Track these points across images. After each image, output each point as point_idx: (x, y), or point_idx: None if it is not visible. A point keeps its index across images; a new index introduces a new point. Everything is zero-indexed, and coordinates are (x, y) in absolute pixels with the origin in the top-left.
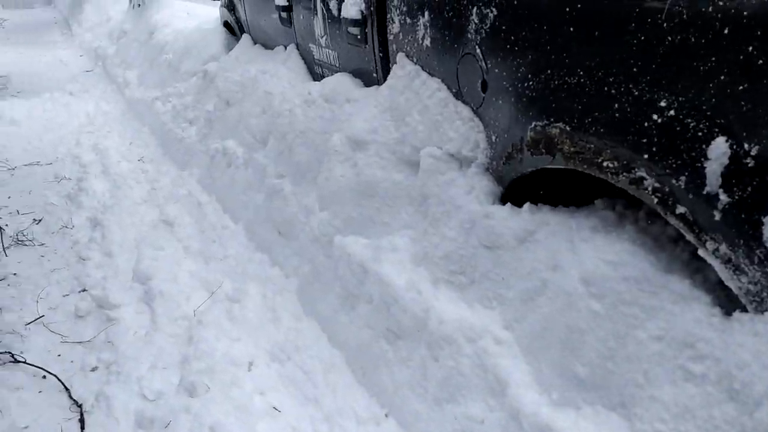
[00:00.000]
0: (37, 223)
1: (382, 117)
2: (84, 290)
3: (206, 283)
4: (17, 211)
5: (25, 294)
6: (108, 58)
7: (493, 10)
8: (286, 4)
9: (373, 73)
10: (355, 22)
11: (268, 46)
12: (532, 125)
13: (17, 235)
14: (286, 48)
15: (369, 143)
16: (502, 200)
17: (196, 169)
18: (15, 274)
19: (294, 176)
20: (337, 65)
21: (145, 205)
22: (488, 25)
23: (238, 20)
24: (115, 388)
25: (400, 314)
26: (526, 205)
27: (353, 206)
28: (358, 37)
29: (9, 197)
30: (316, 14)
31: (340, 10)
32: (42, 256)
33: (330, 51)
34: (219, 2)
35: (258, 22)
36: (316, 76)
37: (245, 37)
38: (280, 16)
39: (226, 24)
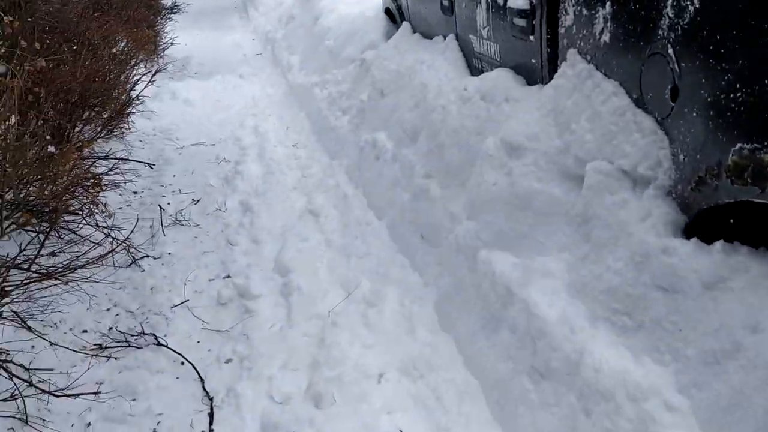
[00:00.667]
0: (195, 204)
1: (544, 121)
2: (228, 276)
3: (345, 280)
4: (179, 190)
5: (175, 275)
6: (276, 42)
7: (695, 1)
8: None
9: (538, 71)
10: (522, 13)
11: (427, 35)
12: (737, 147)
13: (176, 214)
14: (445, 38)
15: (526, 150)
16: (686, 233)
17: (345, 160)
18: (170, 253)
19: (442, 178)
20: (498, 59)
21: (295, 193)
22: (686, 20)
23: (399, 7)
24: (245, 385)
25: (548, 352)
26: (719, 243)
27: (504, 219)
28: (525, 29)
29: (174, 176)
30: (480, 3)
31: None
32: (195, 237)
33: (491, 43)
34: None
35: (419, 10)
36: (475, 70)
37: (405, 25)
38: (441, 4)
39: (387, 11)
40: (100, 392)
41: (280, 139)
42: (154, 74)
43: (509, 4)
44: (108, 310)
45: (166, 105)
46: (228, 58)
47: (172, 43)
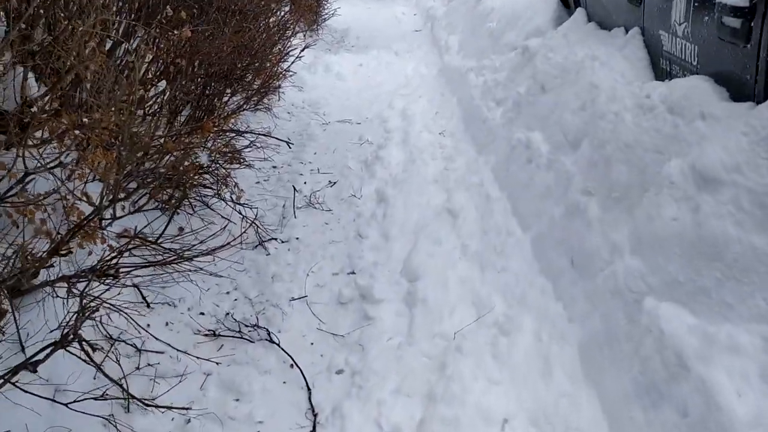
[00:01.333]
0: (331, 186)
1: (753, 150)
2: (353, 272)
3: (476, 297)
4: (318, 169)
5: (299, 263)
6: (436, 20)
7: None
8: None
9: (750, 85)
10: (736, 11)
11: (605, 25)
12: None
13: (311, 196)
14: (627, 31)
15: (724, 183)
16: None
17: (493, 156)
18: (298, 238)
19: (605, 198)
20: (695, 64)
21: (434, 186)
22: None
23: None
24: (353, 405)
25: None
26: None
27: (681, 265)
28: (738, 31)
29: (315, 153)
30: None
31: None
32: (326, 224)
33: (688, 44)
34: None
35: None
36: (661, 74)
37: (579, 12)
38: None
39: None
40: (190, 408)
41: (426, 125)
42: (302, 50)
43: None
44: (228, 293)
45: (318, 77)
46: (386, 33)
47: (333, 14)
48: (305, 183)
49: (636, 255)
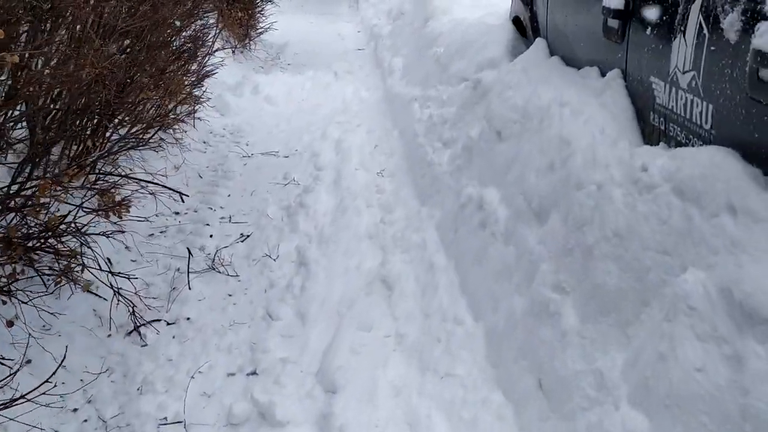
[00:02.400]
0: (242, 241)
1: None
2: (254, 373)
3: (412, 416)
4: (230, 217)
5: (185, 358)
6: (381, 39)
7: None
8: (622, 7)
9: None
10: None
11: (571, 61)
12: None
13: (215, 255)
14: (602, 73)
15: None
16: None
17: (438, 211)
18: (189, 319)
19: (585, 301)
20: (708, 129)
21: (367, 244)
22: None
23: (534, 17)
24: None
25: None
26: None
27: None
28: None
29: (229, 195)
30: (682, 31)
31: (744, 30)
32: (229, 296)
33: (697, 100)
34: None
35: (563, 25)
36: (651, 134)
37: (539, 43)
38: (605, 23)
39: (516, 21)
40: None
41: (363, 161)
42: (199, 81)
43: (757, 44)
44: (75, 411)
45: (245, 101)
46: (326, 50)
47: (268, 28)
48: (211, 236)
49: (636, 404)
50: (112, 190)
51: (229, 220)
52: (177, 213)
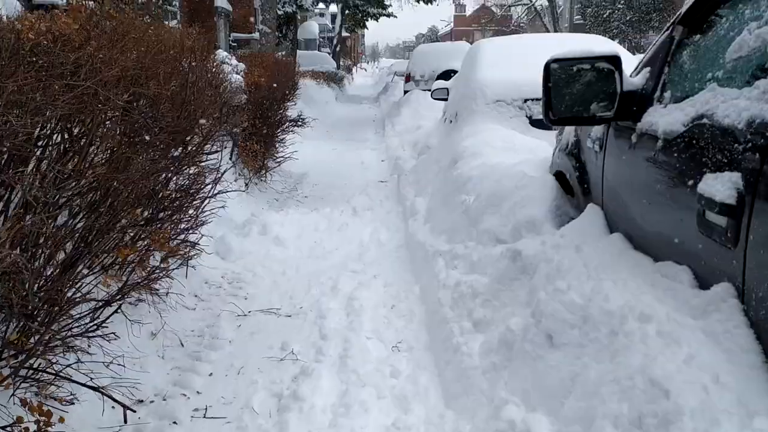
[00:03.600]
0: None
1: None
2: None
3: None
4: (206, 410)
5: None
6: (404, 173)
7: None
8: (734, 202)
9: None
10: None
11: (642, 246)
12: None
13: None
14: (697, 276)
15: None
16: None
17: (465, 420)
18: None
19: None
20: None
21: None
22: None
23: (583, 176)
24: None
25: None
26: None
27: None
28: None
29: (211, 374)
30: None
31: None
32: None
33: None
34: (556, 135)
35: (628, 194)
36: None
37: (593, 212)
38: (703, 217)
39: (558, 175)
40: None
41: (377, 327)
42: (193, 229)
43: None
44: None
45: (250, 242)
46: (348, 182)
47: (288, 158)
48: None
49: None
50: (44, 392)
51: (204, 415)
52: (141, 401)
